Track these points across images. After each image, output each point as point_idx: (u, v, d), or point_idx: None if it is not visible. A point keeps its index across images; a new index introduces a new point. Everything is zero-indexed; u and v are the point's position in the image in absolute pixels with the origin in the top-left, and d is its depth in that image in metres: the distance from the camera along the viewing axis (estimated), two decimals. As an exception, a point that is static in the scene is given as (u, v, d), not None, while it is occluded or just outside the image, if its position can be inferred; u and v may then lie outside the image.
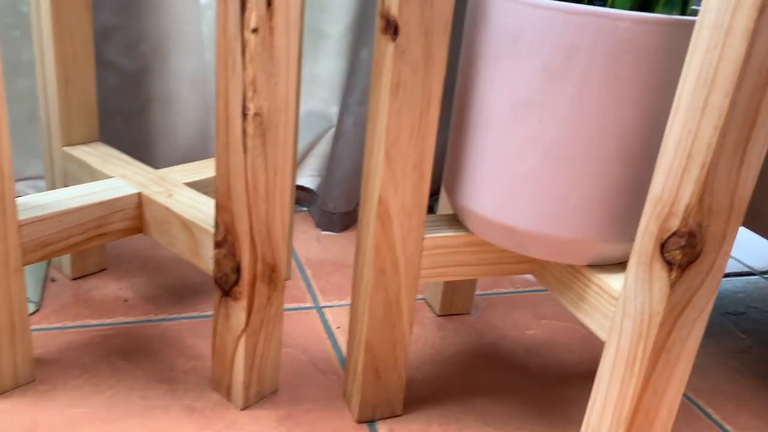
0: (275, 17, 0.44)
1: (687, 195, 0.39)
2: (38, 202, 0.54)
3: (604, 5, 0.48)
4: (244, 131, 0.46)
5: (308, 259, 0.83)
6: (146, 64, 0.81)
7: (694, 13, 0.50)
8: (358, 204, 0.97)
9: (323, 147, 0.94)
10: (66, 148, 0.66)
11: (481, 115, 0.47)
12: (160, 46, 0.81)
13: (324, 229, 0.92)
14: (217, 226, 0.51)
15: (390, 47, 0.44)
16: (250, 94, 0.45)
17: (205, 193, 0.64)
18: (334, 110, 0.92)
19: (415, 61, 0.45)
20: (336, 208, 0.91)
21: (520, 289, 0.81)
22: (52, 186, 0.69)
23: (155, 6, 0.79)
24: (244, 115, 0.46)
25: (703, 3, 0.36)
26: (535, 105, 0.43)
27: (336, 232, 0.92)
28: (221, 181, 0.49)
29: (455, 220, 0.54)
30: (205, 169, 0.66)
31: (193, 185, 0.63)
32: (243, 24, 0.43)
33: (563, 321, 0.75)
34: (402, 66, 0.45)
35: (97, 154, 0.65)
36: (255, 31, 0.43)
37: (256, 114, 0.46)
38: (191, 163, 0.67)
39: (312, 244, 0.87)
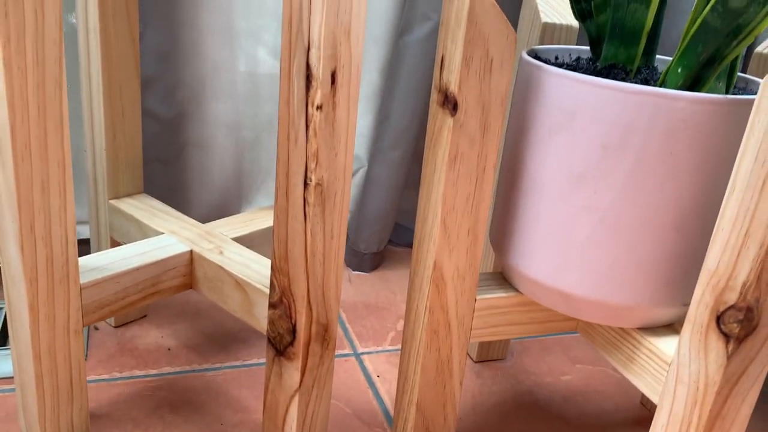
0: (338, 93, 0.45)
1: (745, 272, 0.40)
2: (96, 263, 0.55)
3: (652, 80, 0.49)
4: (305, 200, 0.48)
5: (342, 301, 0.84)
6: (183, 110, 0.83)
7: (742, 81, 0.52)
8: (388, 243, 0.98)
9: (354, 188, 0.95)
10: (112, 201, 0.67)
11: (534, 182, 0.48)
12: (197, 93, 0.82)
13: (355, 269, 0.93)
14: (272, 287, 0.52)
15: (449, 121, 0.46)
16: (312, 165, 0.46)
17: (252, 247, 0.65)
18: (363, 152, 0.94)
19: (473, 134, 0.46)
20: (367, 248, 0.92)
21: (553, 333, 0.82)
22: (97, 238, 0.70)
23: (192, 55, 0.81)
24: (306, 184, 0.47)
25: (761, 88, 0.38)
26: (591, 178, 0.45)
27: (367, 272, 0.93)
28: (279, 245, 0.50)
29: (503, 279, 0.55)
30: (250, 222, 0.67)
31: (240, 240, 0.64)
32: (308, 100, 0.45)
33: (597, 365, 0.75)
34: (460, 139, 0.46)
35: (144, 208, 0.66)
36: (319, 107, 0.45)
37: (318, 184, 0.47)
38: (235, 217, 0.68)
39: (345, 284, 0.88)
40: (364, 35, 0.46)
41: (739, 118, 0.43)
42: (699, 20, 0.42)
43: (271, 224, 0.68)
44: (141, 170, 0.69)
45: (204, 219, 0.87)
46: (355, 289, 0.88)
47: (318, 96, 0.44)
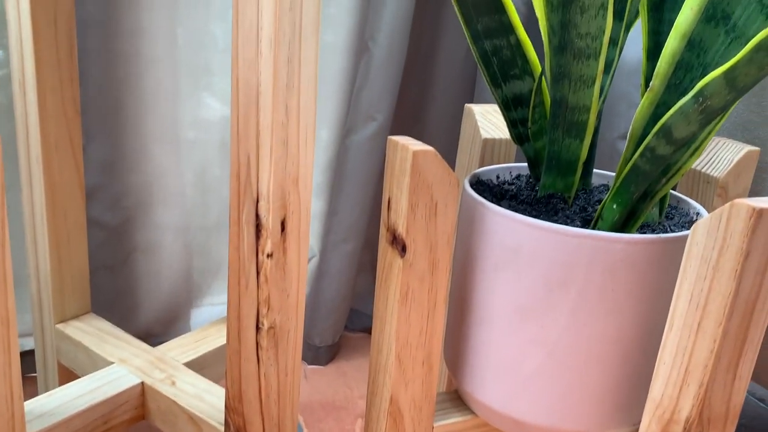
0: (288, 239, 0.46)
1: (687, 408, 0.41)
2: (43, 408, 0.53)
3: (590, 206, 0.51)
4: (257, 344, 0.48)
5: (299, 402, 0.83)
6: (129, 216, 0.82)
7: (673, 199, 0.54)
8: (342, 335, 0.98)
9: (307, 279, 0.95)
10: (59, 326, 0.65)
11: (483, 315, 0.49)
12: (143, 199, 0.82)
13: (310, 363, 0.92)
14: (227, 425, 0.52)
15: (398, 261, 0.47)
16: (264, 311, 0.47)
17: (204, 369, 0.64)
18: (314, 242, 0.94)
19: (422, 272, 0.47)
20: (322, 341, 0.92)
21: None
22: (44, 363, 0.68)
23: (138, 163, 0.80)
24: (258, 328, 0.47)
25: (690, 234, 0.40)
26: (538, 313, 0.46)
27: (323, 365, 0.92)
28: (233, 385, 0.50)
29: (460, 399, 0.56)
30: (201, 342, 0.67)
31: (192, 364, 0.63)
32: (258, 248, 0.45)
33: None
34: (410, 277, 0.47)
35: (92, 332, 0.65)
36: (270, 255, 0.45)
37: (270, 327, 0.47)
38: (186, 337, 0.67)
39: (300, 382, 0.87)
40: (312, 180, 0.47)
41: (675, 251, 0.45)
42: (630, 164, 0.45)
43: (223, 342, 0.67)
44: (88, 290, 0.68)
45: (152, 324, 0.85)
46: (311, 386, 0.87)
47: (268, 245, 0.45)
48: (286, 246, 0.46)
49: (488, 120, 0.64)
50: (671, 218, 0.52)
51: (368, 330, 1.00)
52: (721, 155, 0.61)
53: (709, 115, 0.41)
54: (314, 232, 0.93)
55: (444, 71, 0.88)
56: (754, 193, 0.71)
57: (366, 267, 0.98)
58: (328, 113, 0.85)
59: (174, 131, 0.80)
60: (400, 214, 0.46)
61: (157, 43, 0.75)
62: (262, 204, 0.44)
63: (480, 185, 0.55)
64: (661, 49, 0.49)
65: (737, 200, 0.37)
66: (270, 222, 0.45)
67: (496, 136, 0.63)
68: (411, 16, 0.80)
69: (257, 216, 0.45)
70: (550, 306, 0.46)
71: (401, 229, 0.46)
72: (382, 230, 0.48)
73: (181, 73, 0.79)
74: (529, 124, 0.54)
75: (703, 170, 0.60)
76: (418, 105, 0.91)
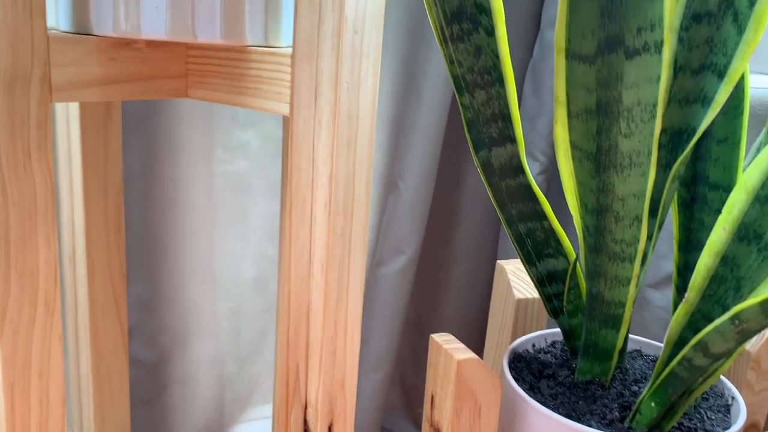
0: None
1: None
2: None
3: (627, 391, 0.52)
4: None
5: None
6: (165, 352, 0.84)
7: (708, 390, 0.55)
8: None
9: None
10: (100, 482, 0.67)
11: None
12: (179, 334, 0.83)
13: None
14: None
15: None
16: None
17: None
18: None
19: (466, 469, 0.48)
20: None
21: None
22: None
23: (174, 300, 0.82)
24: None
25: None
26: None
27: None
28: None
29: None
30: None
31: None
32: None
33: None
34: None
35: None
36: (318, 459, 0.47)
37: None
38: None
39: None
40: (356, 383, 0.48)
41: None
42: (668, 370, 0.46)
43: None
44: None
45: (187, 456, 0.86)
46: None
47: (319, 446, 0.46)
48: (334, 442, 0.47)
49: (520, 278, 0.66)
50: (706, 399, 0.53)
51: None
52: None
53: (745, 336, 0.42)
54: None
55: (469, 202, 0.91)
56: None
57: (393, 405, 0.98)
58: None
59: (210, 269, 0.83)
60: (444, 415, 0.47)
61: (195, 189, 0.78)
62: (310, 411, 0.46)
63: (518, 361, 0.56)
64: (693, 242, 0.51)
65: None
66: (318, 428, 0.46)
67: (529, 296, 0.64)
68: (438, 158, 0.83)
69: (305, 421, 0.46)
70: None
71: (445, 430, 0.47)
72: (425, 425, 0.50)
73: (217, 216, 0.82)
74: (565, 303, 0.55)
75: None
76: (445, 234, 0.93)
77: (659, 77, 0.41)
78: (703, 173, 0.50)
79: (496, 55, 0.46)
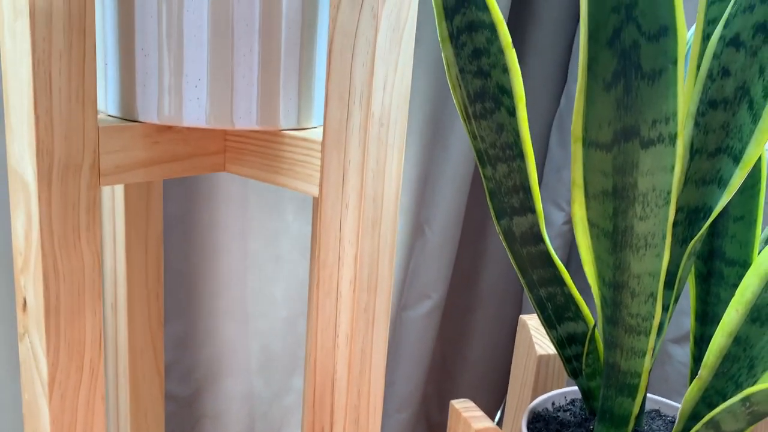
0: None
1: None
2: None
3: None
4: None
5: None
6: (199, 388, 0.87)
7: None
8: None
9: None
10: None
11: None
12: (212, 371, 0.87)
13: None
14: None
15: None
16: None
17: None
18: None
19: None
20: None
21: None
22: None
23: (209, 337, 0.86)
24: None
25: None
26: None
27: None
28: None
29: None
30: None
31: None
32: None
33: None
34: None
35: None
36: None
37: None
38: None
39: None
40: (379, 443, 0.50)
41: None
42: (681, 444, 0.47)
43: None
44: (162, 480, 0.72)
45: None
46: None
47: None
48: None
49: (542, 333, 0.67)
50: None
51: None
52: None
53: (756, 417, 0.43)
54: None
55: (494, 248, 0.93)
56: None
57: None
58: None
59: (243, 309, 0.86)
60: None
61: (230, 235, 0.82)
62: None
63: (537, 420, 0.58)
64: (709, 315, 0.52)
65: None
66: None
67: (551, 352, 0.66)
68: (465, 205, 0.85)
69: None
70: None
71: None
72: (445, 486, 0.52)
73: (250, 260, 0.85)
74: (584, 366, 0.57)
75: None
76: (471, 279, 0.95)
77: (673, 166, 0.42)
78: (719, 249, 0.51)
79: (517, 134, 0.48)
